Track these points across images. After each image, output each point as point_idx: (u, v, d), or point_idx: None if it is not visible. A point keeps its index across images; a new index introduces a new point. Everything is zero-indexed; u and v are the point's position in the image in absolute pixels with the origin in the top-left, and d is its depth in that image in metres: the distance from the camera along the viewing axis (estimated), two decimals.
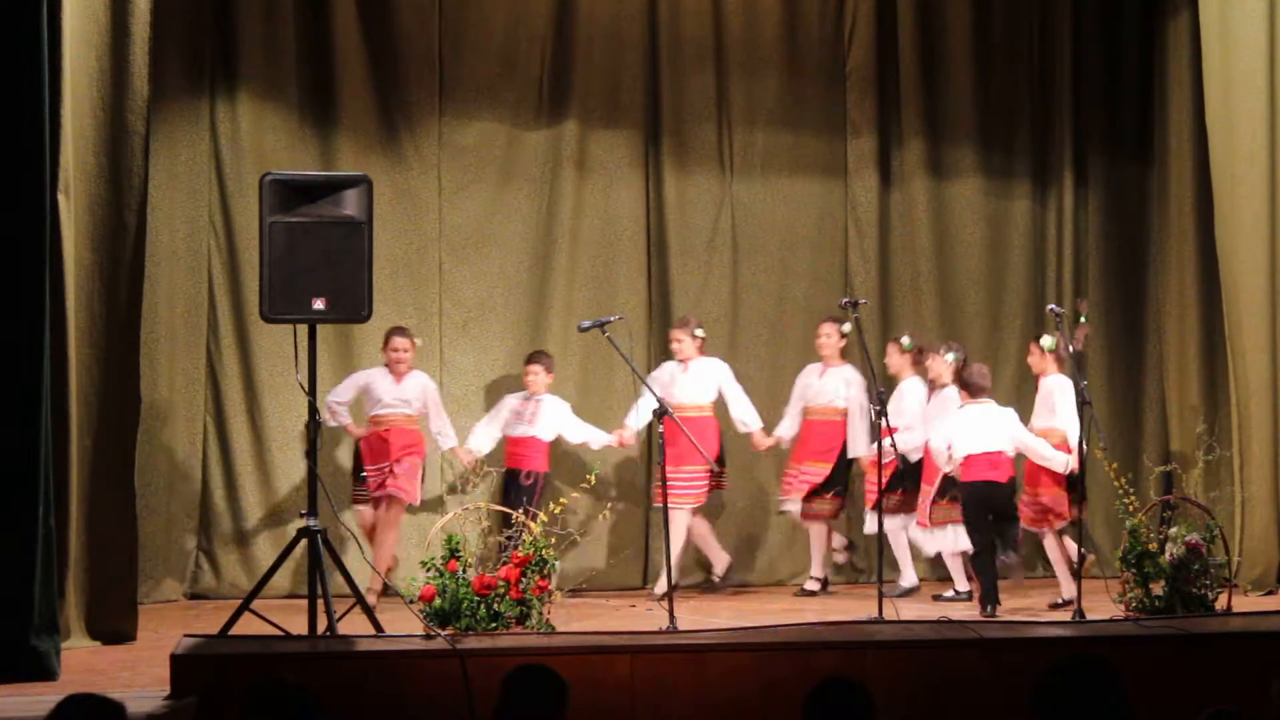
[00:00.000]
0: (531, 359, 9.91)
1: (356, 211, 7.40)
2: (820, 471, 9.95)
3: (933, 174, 10.97)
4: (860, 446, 9.92)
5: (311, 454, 7.61)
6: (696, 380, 9.97)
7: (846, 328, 9.89)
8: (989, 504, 9.07)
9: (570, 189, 10.51)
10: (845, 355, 10.30)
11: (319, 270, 7.32)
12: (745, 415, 10.05)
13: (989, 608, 8.80)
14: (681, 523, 9.75)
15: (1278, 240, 9.72)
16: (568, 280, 10.52)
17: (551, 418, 9.85)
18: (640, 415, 9.63)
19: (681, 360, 9.99)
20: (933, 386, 9.85)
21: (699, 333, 10.00)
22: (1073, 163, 11.04)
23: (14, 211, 7.19)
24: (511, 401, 9.87)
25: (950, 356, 9.72)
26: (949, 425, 9.24)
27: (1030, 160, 11.06)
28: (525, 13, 10.45)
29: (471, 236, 10.46)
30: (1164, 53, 10.57)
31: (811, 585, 10.09)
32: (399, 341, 9.57)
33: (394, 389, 9.52)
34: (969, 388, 9.20)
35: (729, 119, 10.77)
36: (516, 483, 9.67)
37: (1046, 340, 9.41)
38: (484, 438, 9.82)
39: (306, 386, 7.54)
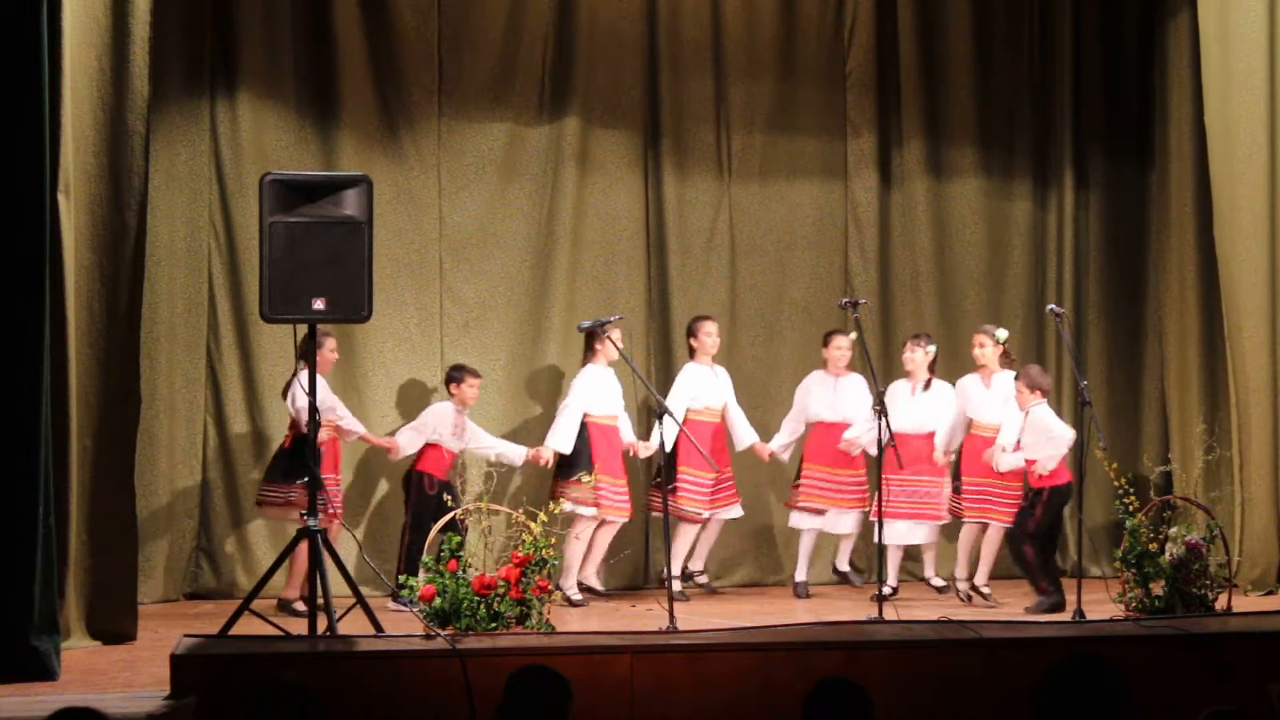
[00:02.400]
0: (474, 373, 9.79)
1: (357, 211, 7.40)
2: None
3: (933, 174, 10.97)
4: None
5: (311, 454, 7.62)
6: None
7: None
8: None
9: (571, 188, 10.51)
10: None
11: (319, 270, 7.31)
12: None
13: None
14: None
15: (1277, 240, 9.73)
16: (568, 279, 10.52)
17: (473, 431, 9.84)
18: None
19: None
20: (910, 378, 9.87)
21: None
22: (1073, 162, 11.04)
23: (14, 211, 7.19)
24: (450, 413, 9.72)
25: (932, 348, 9.79)
26: (1058, 424, 9.25)
27: (1030, 160, 11.06)
28: (525, 12, 10.45)
29: (472, 236, 10.46)
30: (1164, 53, 10.56)
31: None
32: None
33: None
34: (1039, 388, 9.22)
35: (728, 120, 10.76)
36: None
37: (1001, 333, 9.46)
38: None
39: (306, 386, 7.54)
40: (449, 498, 8.39)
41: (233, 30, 10.10)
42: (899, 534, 9.75)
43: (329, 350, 9.28)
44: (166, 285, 9.92)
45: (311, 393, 7.53)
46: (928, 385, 9.82)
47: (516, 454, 9.80)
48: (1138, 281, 11.08)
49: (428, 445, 9.59)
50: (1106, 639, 7.05)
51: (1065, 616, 8.21)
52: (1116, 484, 8.76)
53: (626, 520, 9.82)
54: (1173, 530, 8.60)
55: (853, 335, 9.78)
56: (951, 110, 10.94)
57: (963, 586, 9.65)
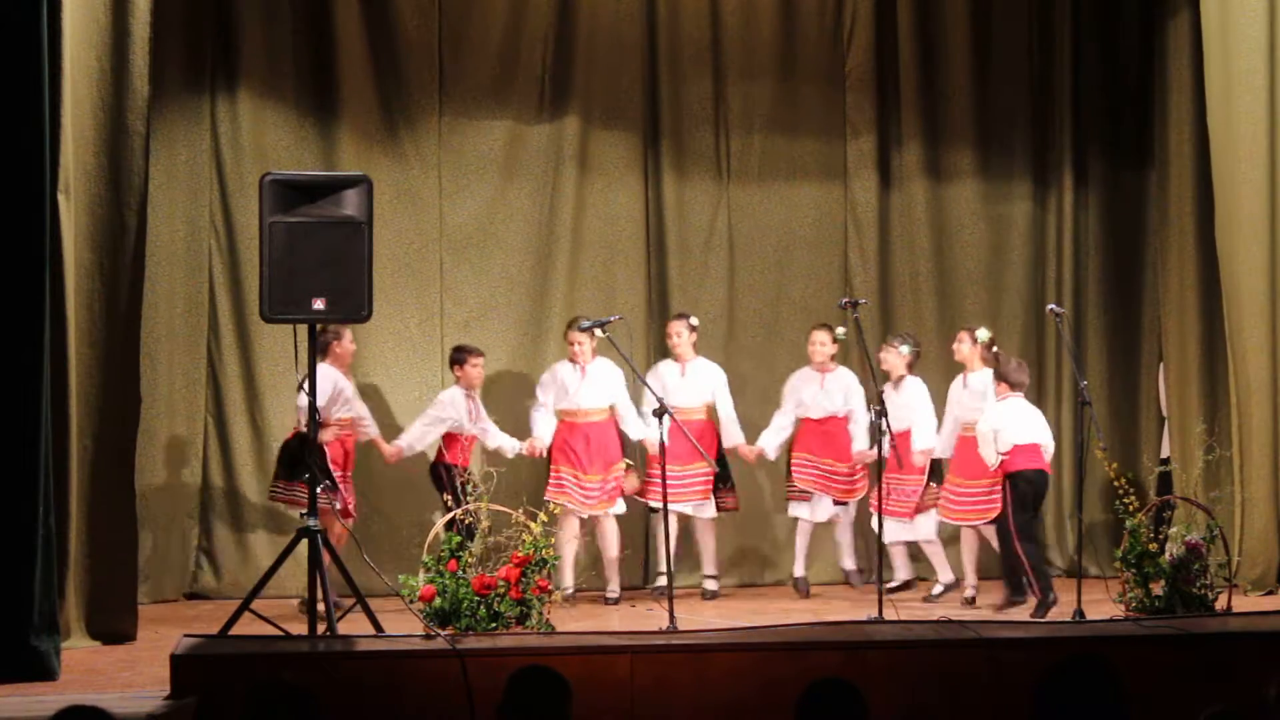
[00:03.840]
0: (476, 351, 9.73)
1: (357, 211, 7.40)
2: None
3: (932, 175, 10.96)
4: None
5: (311, 454, 7.62)
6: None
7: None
8: (1040, 493, 9.35)
9: (571, 188, 10.52)
10: (848, 357, 10.40)
11: (319, 270, 7.31)
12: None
13: (1050, 596, 8.94)
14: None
15: (1278, 240, 9.72)
16: (569, 279, 10.53)
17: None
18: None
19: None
20: (889, 379, 9.87)
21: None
22: (1072, 163, 11.03)
23: (14, 211, 7.19)
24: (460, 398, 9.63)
25: (905, 349, 9.82)
26: (997, 416, 9.27)
27: (1030, 160, 11.05)
28: (525, 12, 10.46)
29: (472, 236, 10.47)
30: (1164, 53, 10.55)
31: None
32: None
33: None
34: (1011, 381, 9.27)
35: (727, 121, 10.76)
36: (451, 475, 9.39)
37: (982, 333, 9.62)
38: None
39: (306, 386, 7.54)
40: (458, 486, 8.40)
41: (233, 30, 10.11)
42: (893, 531, 9.80)
43: (348, 342, 9.35)
44: (166, 285, 9.92)
45: (311, 391, 7.53)
46: (898, 383, 9.86)
47: (511, 446, 9.76)
48: (1137, 281, 11.08)
49: (447, 436, 9.53)
50: (1106, 639, 7.05)
51: (1065, 616, 8.20)
52: (1116, 484, 8.76)
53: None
54: (1173, 530, 8.60)
55: (840, 330, 9.90)
56: (951, 111, 10.94)
57: (970, 591, 9.65)
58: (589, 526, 9.82)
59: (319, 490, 8.82)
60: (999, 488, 9.27)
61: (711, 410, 10.02)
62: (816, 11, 10.81)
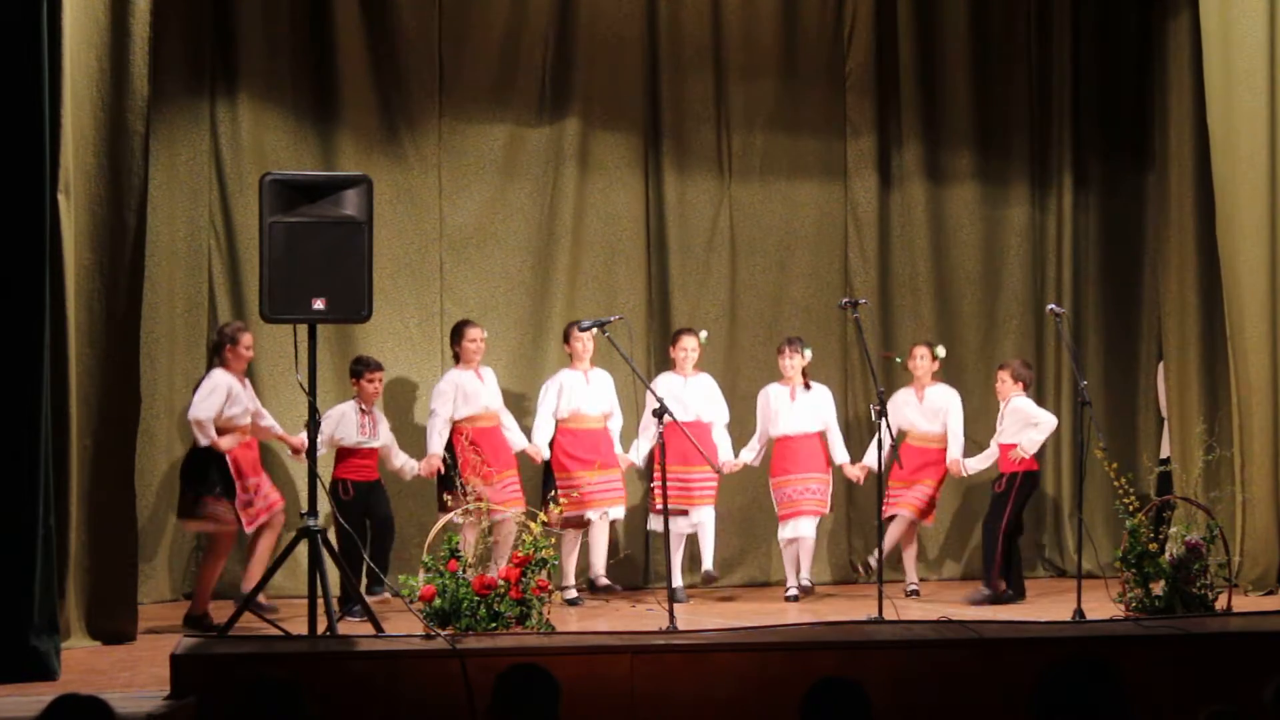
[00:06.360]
0: (375, 366, 9.48)
1: (356, 211, 7.40)
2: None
3: (932, 175, 10.97)
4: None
5: (311, 454, 7.62)
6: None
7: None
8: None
9: (571, 188, 10.52)
10: (848, 356, 10.39)
11: (319, 270, 7.32)
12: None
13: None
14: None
15: (1278, 240, 9.72)
16: (569, 279, 10.53)
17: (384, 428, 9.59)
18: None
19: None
20: (787, 382, 9.91)
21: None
22: (1072, 163, 11.05)
23: (14, 211, 7.20)
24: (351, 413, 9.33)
25: (809, 353, 9.93)
26: (1036, 409, 9.87)
27: (1029, 161, 11.06)
28: (525, 12, 10.46)
29: (472, 236, 10.47)
30: (1164, 53, 10.55)
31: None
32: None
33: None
34: (1022, 380, 9.80)
35: (728, 120, 10.77)
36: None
37: (941, 350, 10.01)
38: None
39: (306, 386, 7.54)
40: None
41: (233, 30, 10.11)
42: (789, 529, 9.79)
43: (244, 349, 8.88)
44: (166, 285, 9.92)
45: (311, 393, 7.52)
46: (807, 387, 9.90)
47: (410, 467, 9.54)
48: (1137, 282, 11.09)
49: (340, 450, 9.31)
50: (1106, 639, 7.05)
51: (1065, 616, 8.21)
52: (1116, 484, 8.76)
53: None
54: (1173, 530, 8.60)
55: (703, 334, 9.94)
56: (951, 111, 10.95)
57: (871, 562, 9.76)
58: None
59: (212, 501, 8.67)
60: (936, 488, 9.87)
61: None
62: (817, 11, 10.82)
